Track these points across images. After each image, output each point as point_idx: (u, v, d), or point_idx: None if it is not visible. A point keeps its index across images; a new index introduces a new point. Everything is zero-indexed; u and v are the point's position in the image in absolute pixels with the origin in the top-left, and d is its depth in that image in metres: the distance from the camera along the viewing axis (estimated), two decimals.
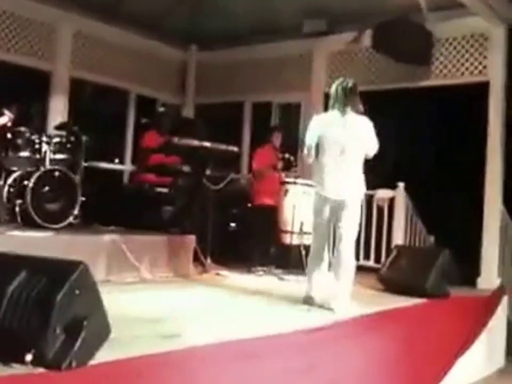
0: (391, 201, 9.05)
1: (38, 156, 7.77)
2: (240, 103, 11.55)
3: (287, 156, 8.92)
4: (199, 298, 6.48)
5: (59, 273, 3.67)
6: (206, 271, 8.09)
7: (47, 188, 7.51)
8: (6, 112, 6.36)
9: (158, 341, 4.41)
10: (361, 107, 6.10)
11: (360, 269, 8.84)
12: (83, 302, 3.68)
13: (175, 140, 8.13)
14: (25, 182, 7.38)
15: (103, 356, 3.65)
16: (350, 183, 6.02)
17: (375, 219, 9.12)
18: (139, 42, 10.78)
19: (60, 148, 8.01)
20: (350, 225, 6.05)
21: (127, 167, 10.83)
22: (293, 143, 9.97)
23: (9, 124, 7.21)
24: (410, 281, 7.18)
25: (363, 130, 6.09)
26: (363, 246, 8.98)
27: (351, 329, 5.52)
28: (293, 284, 7.65)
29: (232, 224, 9.12)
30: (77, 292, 3.63)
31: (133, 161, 10.58)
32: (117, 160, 10.47)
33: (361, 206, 6.36)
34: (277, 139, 9.09)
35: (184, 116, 11.68)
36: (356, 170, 6.09)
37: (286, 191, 8.70)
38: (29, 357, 3.36)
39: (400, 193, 9.05)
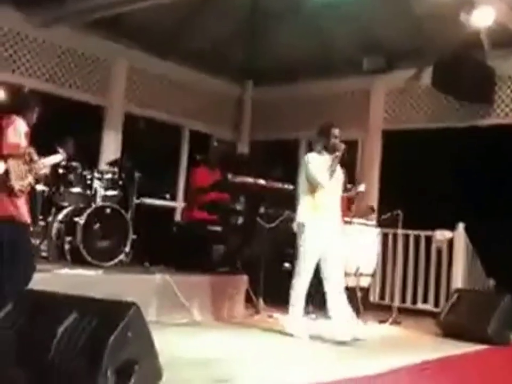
0: (450, 242, 8.76)
1: (89, 192, 7.71)
2: (296, 140, 11.39)
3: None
4: (250, 341, 6.35)
5: (111, 314, 3.62)
6: (258, 313, 7.90)
7: (98, 225, 7.42)
8: (60, 150, 6.32)
9: None
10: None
11: (418, 312, 8.68)
12: (135, 344, 3.65)
13: (230, 177, 8.00)
14: (76, 219, 7.30)
15: None
16: None
17: (433, 261, 8.83)
18: (194, 77, 10.73)
19: (111, 184, 7.94)
20: None
21: (179, 204, 10.71)
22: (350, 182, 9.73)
23: (63, 163, 7.17)
24: (471, 327, 6.98)
25: None
26: (422, 289, 8.71)
27: (408, 377, 5.31)
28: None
29: (286, 264, 8.88)
30: (129, 334, 3.58)
31: (185, 198, 10.46)
32: (168, 196, 10.37)
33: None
34: None
35: (239, 152, 11.56)
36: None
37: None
38: None
39: (459, 234, 8.78)
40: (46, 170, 6.03)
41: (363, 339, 6.29)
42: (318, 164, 6.62)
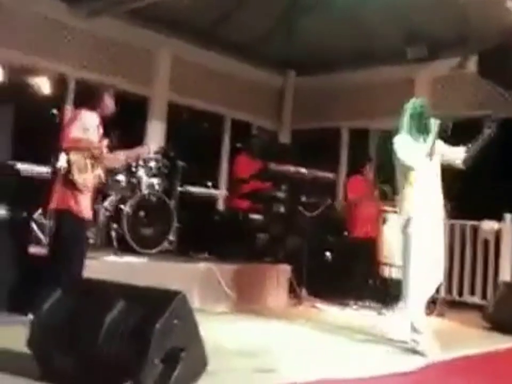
0: (497, 233, 8.61)
1: (134, 180, 7.77)
2: (337, 129, 11.33)
3: (384, 187, 8.63)
4: (294, 332, 6.32)
5: (157, 302, 3.64)
6: (301, 303, 7.89)
7: (142, 213, 7.50)
8: (147, 143, 6.36)
9: (254, 375, 4.36)
10: None
11: (464, 305, 8.55)
12: (181, 332, 3.67)
13: (272, 166, 7.99)
14: (122, 206, 7.39)
15: None
16: None
17: (480, 252, 8.70)
18: (236, 67, 10.74)
19: (156, 172, 7.99)
20: None
21: (222, 192, 10.74)
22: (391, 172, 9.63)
23: (150, 155, 7.24)
24: None
25: None
26: (468, 280, 8.58)
27: (449, 371, 5.18)
28: (392, 320, 7.22)
29: (328, 254, 8.85)
30: (175, 322, 3.59)
31: (228, 187, 10.49)
32: (210, 185, 10.39)
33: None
34: (368, 172, 8.86)
35: (280, 141, 11.54)
36: None
37: (385, 220, 8.35)
38: None
39: (507, 226, 8.61)
40: (120, 163, 6.06)
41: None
42: (409, 145, 5.73)
